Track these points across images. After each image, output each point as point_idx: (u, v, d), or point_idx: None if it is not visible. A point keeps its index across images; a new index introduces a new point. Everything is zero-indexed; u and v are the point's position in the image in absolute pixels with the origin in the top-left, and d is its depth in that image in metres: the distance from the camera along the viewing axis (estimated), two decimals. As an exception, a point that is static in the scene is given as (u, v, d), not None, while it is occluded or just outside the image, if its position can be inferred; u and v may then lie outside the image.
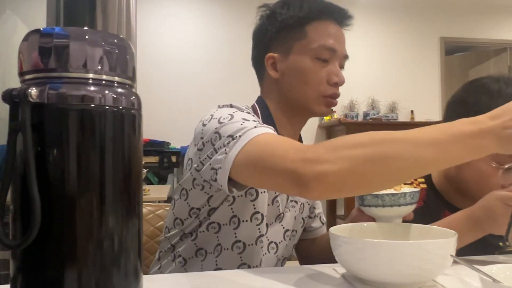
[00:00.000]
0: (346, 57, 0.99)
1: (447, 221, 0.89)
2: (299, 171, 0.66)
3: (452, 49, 5.76)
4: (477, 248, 0.89)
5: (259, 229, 0.93)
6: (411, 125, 4.76)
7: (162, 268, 0.99)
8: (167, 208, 1.31)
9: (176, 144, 4.47)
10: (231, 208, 0.91)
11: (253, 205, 0.92)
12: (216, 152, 0.80)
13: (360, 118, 4.95)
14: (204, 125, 0.86)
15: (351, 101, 4.97)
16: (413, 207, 0.82)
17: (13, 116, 0.44)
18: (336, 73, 0.96)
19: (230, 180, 0.78)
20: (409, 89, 5.23)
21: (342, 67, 0.99)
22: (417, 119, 5.08)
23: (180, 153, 4.25)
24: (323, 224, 1.17)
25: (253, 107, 1.01)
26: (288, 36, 0.96)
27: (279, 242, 1.00)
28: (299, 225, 1.07)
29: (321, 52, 0.95)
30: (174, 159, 4.23)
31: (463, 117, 0.64)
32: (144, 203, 1.23)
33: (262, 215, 0.93)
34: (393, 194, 0.79)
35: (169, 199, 2.78)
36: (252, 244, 0.93)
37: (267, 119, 0.97)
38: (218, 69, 4.74)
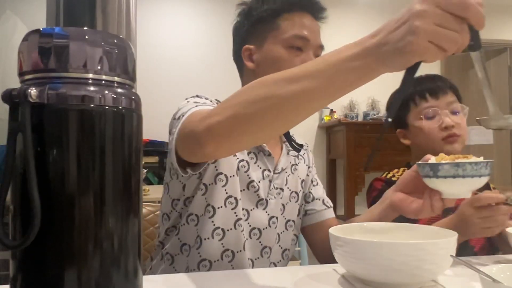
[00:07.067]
0: (321, 47, 1.01)
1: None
2: (195, 130, 0.71)
3: (452, 49, 5.76)
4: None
5: (235, 213, 0.95)
6: (411, 125, 4.77)
7: (153, 268, 1.00)
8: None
9: (176, 144, 4.47)
10: (205, 198, 0.93)
11: (225, 190, 0.94)
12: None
13: (360, 118, 4.95)
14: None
15: (351, 101, 4.97)
16: (487, 179, 0.74)
17: (13, 116, 0.44)
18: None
19: (184, 160, 0.81)
20: (409, 89, 5.22)
21: (317, 56, 1.00)
22: (417, 119, 5.08)
23: (180, 153, 4.25)
24: (328, 207, 1.12)
25: None
26: (262, 29, 1.00)
27: (263, 229, 0.99)
28: (295, 215, 1.06)
29: (294, 40, 0.97)
30: (174, 159, 4.23)
31: None
32: (144, 203, 1.23)
33: (235, 199, 0.95)
34: (476, 163, 0.71)
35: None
36: (231, 229, 0.94)
37: None
38: (218, 69, 4.73)
